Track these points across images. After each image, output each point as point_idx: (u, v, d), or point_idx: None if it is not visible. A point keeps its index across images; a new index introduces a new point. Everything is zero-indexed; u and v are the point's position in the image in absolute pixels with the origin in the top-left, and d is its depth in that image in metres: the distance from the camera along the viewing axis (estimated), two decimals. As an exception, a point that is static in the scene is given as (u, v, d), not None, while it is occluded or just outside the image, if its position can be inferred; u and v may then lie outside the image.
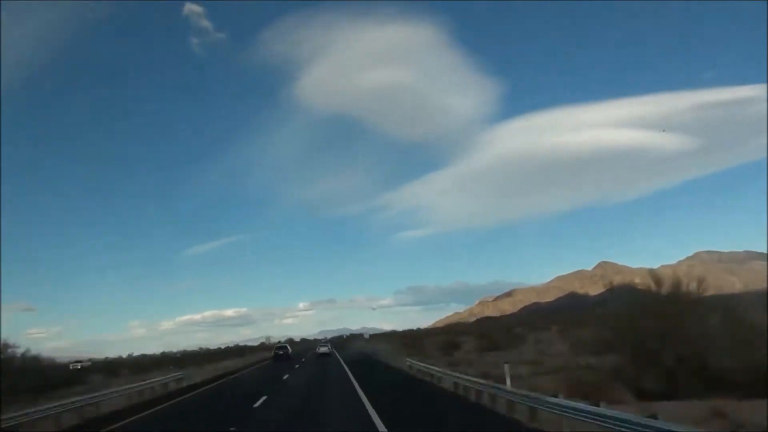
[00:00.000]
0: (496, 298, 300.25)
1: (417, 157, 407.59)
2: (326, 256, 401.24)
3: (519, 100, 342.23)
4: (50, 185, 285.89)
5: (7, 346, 26.10)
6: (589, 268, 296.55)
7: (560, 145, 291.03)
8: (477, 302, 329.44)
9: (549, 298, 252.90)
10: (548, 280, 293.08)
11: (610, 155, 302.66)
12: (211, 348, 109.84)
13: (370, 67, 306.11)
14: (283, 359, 53.71)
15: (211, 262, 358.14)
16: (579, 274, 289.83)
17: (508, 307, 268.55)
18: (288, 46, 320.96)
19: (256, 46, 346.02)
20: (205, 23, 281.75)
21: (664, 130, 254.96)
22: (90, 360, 71.77)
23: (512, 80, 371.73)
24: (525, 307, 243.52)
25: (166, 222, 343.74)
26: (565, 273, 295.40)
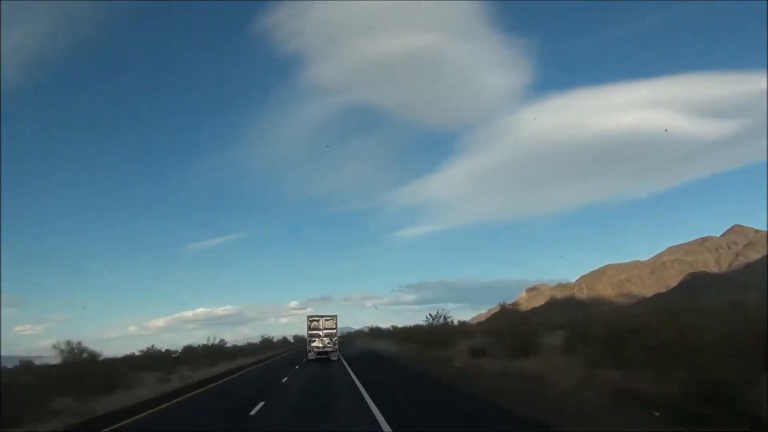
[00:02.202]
0: (582, 279, 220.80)
1: (431, 146, 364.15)
2: (324, 254, 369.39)
3: (558, 76, 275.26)
4: (42, 176, 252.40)
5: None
6: (717, 235, 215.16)
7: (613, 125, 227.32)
8: (524, 292, 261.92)
9: (672, 274, 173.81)
10: (649, 256, 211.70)
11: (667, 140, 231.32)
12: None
13: (385, 38, 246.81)
14: None
15: (205, 260, 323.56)
16: (706, 242, 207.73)
17: (608, 289, 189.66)
18: (296, 29, 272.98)
19: (258, 32, 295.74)
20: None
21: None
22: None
23: (546, 54, 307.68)
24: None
25: (160, 218, 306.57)
26: (677, 244, 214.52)
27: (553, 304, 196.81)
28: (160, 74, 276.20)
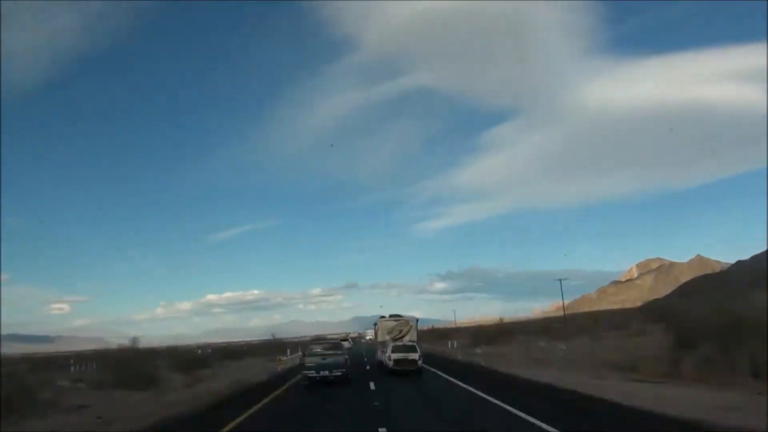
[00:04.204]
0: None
1: (471, 129, 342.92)
2: (352, 242, 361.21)
3: (629, 44, 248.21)
4: (81, 171, 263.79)
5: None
6: None
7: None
8: (633, 267, 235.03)
9: None
10: None
11: None
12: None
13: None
14: None
15: (232, 246, 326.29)
16: None
17: None
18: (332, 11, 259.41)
19: (290, 17, 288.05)
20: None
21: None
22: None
23: (616, 18, 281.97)
24: None
25: (189, 206, 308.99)
26: None
27: None
28: (188, 64, 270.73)
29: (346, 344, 41.52)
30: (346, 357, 25.14)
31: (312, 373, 23.36)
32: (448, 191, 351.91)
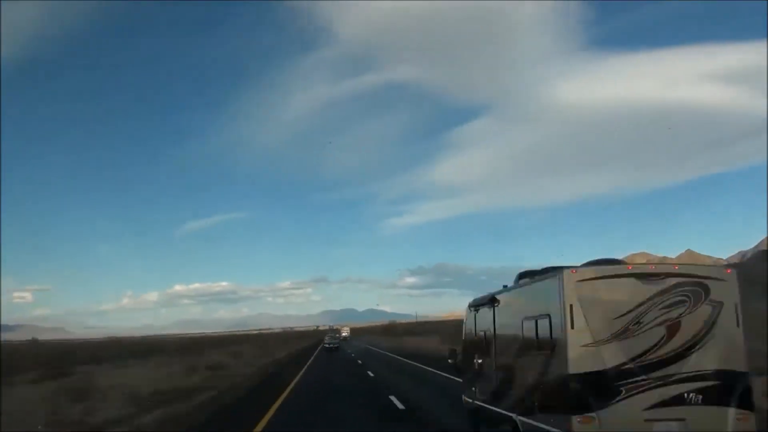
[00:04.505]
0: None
1: (443, 127, 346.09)
2: (322, 236, 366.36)
3: (612, 35, 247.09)
4: (47, 159, 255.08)
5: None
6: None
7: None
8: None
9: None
10: None
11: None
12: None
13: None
14: None
15: (202, 237, 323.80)
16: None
17: None
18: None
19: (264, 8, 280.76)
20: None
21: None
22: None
23: (589, 13, 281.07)
24: None
25: (158, 195, 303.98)
26: None
27: None
28: (159, 56, 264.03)
29: (344, 333, 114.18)
30: (339, 340, 79.47)
31: (326, 345, 62.19)
32: (420, 188, 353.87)
